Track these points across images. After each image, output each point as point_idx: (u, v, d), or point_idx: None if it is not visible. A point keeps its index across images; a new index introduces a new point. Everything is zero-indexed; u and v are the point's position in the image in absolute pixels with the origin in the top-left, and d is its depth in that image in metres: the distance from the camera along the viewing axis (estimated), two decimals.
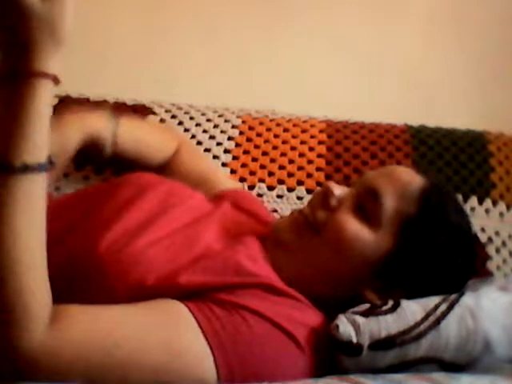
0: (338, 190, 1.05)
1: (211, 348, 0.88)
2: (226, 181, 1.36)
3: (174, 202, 1.09)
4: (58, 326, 0.83)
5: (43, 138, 0.82)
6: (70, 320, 0.85)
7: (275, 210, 1.44)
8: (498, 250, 1.45)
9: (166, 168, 1.34)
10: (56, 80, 0.82)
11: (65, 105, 1.32)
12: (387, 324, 0.95)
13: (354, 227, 1.00)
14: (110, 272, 0.93)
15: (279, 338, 0.92)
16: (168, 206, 1.07)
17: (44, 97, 0.81)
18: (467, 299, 0.99)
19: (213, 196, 1.23)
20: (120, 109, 1.38)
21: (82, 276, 0.94)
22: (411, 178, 1.05)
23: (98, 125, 1.23)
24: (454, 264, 1.03)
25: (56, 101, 1.54)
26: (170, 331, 0.88)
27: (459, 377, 0.92)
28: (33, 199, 0.81)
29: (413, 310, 0.97)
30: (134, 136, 1.28)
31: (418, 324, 0.95)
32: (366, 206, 1.02)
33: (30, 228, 0.81)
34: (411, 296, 1.00)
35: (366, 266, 1.00)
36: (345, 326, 0.94)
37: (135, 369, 0.85)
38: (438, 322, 0.95)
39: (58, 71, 0.83)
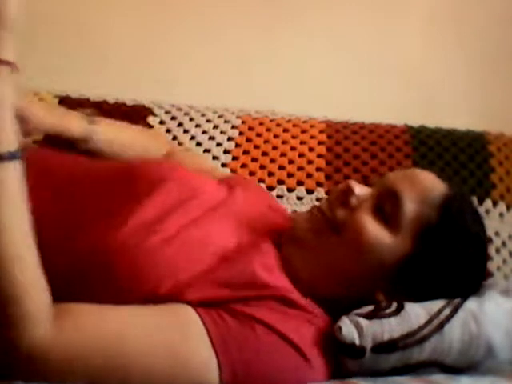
0: (359, 189, 1.03)
1: (216, 354, 0.87)
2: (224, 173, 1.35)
3: (186, 196, 1.05)
4: (62, 324, 0.83)
5: (10, 125, 0.81)
6: (74, 319, 0.85)
7: None
8: (498, 251, 1.46)
9: None
10: (14, 67, 0.82)
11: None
12: (390, 327, 0.94)
13: (374, 229, 0.99)
14: (124, 271, 0.91)
15: (286, 349, 0.92)
16: (181, 200, 1.04)
17: (3, 84, 0.81)
18: (470, 304, 0.99)
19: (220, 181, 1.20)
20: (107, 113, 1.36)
21: (94, 272, 0.92)
22: (433, 183, 1.03)
23: (72, 124, 1.18)
24: (469, 272, 1.02)
25: (56, 101, 1.55)
26: (176, 335, 0.88)
27: (459, 378, 0.93)
28: (9, 189, 0.80)
29: (416, 313, 0.96)
30: (108, 136, 1.25)
31: (421, 328, 0.95)
32: (386, 207, 1.00)
33: (11, 219, 0.80)
34: (419, 299, 0.99)
35: (381, 268, 0.99)
36: (348, 328, 0.94)
37: (139, 371, 0.85)
38: (441, 325, 0.95)
39: (13, 58, 0.83)
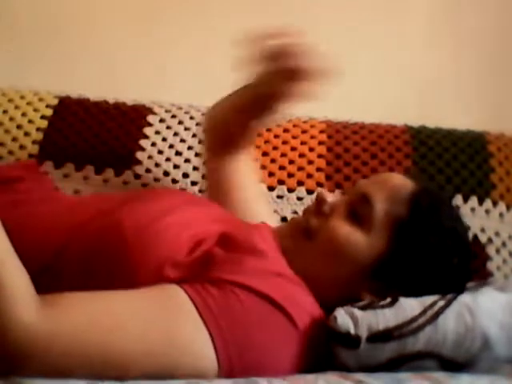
0: (331, 198, 1.09)
1: (211, 335, 0.89)
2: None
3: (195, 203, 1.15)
4: (49, 312, 0.83)
5: None
6: (63, 306, 0.85)
7: (275, 211, 1.44)
8: (498, 251, 1.46)
9: None
10: None
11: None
12: (385, 317, 0.96)
13: (346, 231, 1.03)
14: (133, 248, 0.96)
15: (276, 316, 0.94)
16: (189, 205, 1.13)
17: None
18: (465, 297, 1.00)
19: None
20: None
21: (105, 255, 0.97)
22: (402, 182, 1.08)
23: None
24: (448, 265, 1.04)
25: (56, 101, 1.55)
26: (170, 322, 0.89)
27: (459, 376, 0.93)
28: None
29: (411, 305, 0.98)
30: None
31: (415, 318, 0.96)
32: (358, 210, 1.04)
33: None
34: (407, 296, 1.01)
35: (360, 268, 1.02)
36: (343, 317, 0.95)
37: (134, 359, 0.85)
38: (435, 316, 0.96)
39: None
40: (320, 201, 1.07)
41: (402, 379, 0.90)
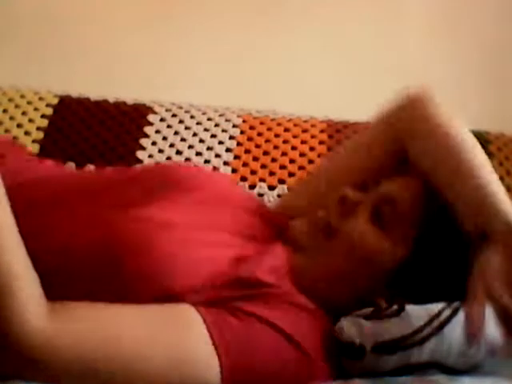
0: (355, 196, 1.03)
1: (218, 355, 0.87)
2: None
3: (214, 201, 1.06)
4: (55, 316, 0.82)
5: None
6: (69, 312, 0.84)
7: None
8: None
9: None
10: None
11: None
12: (391, 327, 0.94)
13: (369, 232, 0.99)
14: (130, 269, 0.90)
15: (287, 347, 0.91)
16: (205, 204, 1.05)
17: None
18: None
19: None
20: None
21: (104, 265, 0.91)
22: (430, 189, 1.02)
23: None
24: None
25: (56, 101, 1.55)
26: (177, 335, 0.87)
27: (460, 379, 0.92)
28: None
29: (417, 314, 0.96)
30: None
31: (421, 328, 0.94)
32: (383, 212, 1.00)
33: None
34: (419, 302, 0.99)
35: (379, 273, 0.99)
36: (348, 327, 0.94)
37: (140, 373, 0.84)
38: (441, 326, 0.95)
39: None
40: (343, 198, 1.03)
41: (402, 383, 0.90)
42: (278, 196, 1.45)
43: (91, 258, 0.92)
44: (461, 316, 0.95)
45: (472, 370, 0.96)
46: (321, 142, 1.52)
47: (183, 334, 0.88)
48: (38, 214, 0.97)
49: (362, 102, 1.79)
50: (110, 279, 0.90)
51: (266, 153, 1.49)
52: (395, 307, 0.97)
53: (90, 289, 0.90)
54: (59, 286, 0.88)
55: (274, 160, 1.48)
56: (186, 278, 0.92)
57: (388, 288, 1.00)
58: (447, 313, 0.96)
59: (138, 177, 1.09)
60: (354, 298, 1.00)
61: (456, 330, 0.95)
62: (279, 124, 1.55)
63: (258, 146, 1.49)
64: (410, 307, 0.97)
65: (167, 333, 0.87)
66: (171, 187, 1.04)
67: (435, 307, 0.97)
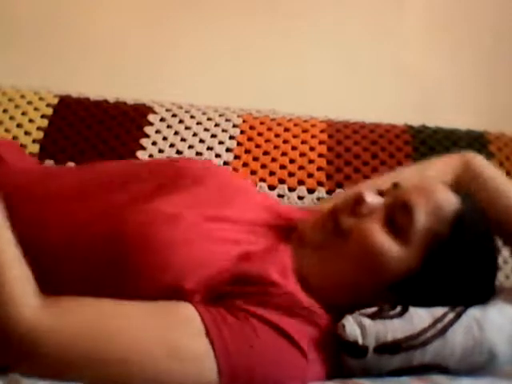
0: (371, 199, 1.02)
1: (215, 353, 0.87)
2: None
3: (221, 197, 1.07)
4: (53, 310, 0.83)
5: None
6: (67, 307, 0.85)
7: None
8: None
9: None
10: None
11: None
12: (394, 328, 0.94)
13: (381, 238, 0.98)
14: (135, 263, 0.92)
15: (285, 346, 0.92)
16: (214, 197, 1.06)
17: None
18: (474, 310, 0.99)
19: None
20: None
21: (111, 259, 0.93)
22: (447, 197, 1.02)
23: None
24: (475, 287, 1.01)
25: (56, 100, 1.55)
26: (174, 331, 0.88)
27: (459, 379, 0.93)
28: None
29: (420, 316, 0.96)
30: None
31: (425, 330, 0.95)
32: (397, 219, 0.99)
33: None
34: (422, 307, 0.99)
35: (385, 279, 0.98)
36: (351, 326, 0.94)
37: (136, 368, 0.84)
38: (444, 329, 0.95)
39: None
40: (358, 200, 1.01)
41: (402, 382, 0.91)
42: (278, 196, 1.45)
43: (97, 250, 0.93)
44: (464, 320, 0.96)
45: (473, 373, 0.96)
46: (321, 142, 1.52)
47: (181, 330, 0.88)
48: (49, 206, 0.99)
49: (362, 102, 1.80)
50: (114, 271, 0.91)
51: (266, 153, 1.49)
52: (399, 309, 0.97)
53: (93, 281, 0.92)
54: (63, 280, 0.91)
55: (274, 160, 1.48)
56: (188, 272, 0.92)
57: (392, 294, 0.99)
58: (451, 316, 0.96)
59: (152, 170, 1.09)
60: (358, 302, 0.99)
61: (459, 333, 0.95)
62: (279, 124, 1.55)
63: (258, 146, 1.49)
64: (413, 309, 0.97)
65: (164, 328, 0.87)
66: (183, 181, 1.05)
67: (439, 310, 0.97)
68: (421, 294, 0.98)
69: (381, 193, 1.06)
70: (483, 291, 1.02)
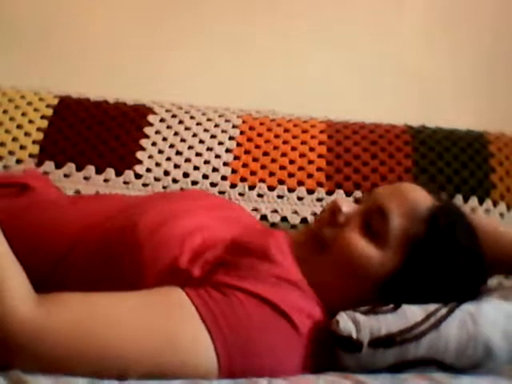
0: (346, 207, 1.04)
1: (212, 337, 0.88)
2: None
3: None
4: (49, 306, 0.84)
5: None
6: (63, 303, 0.86)
7: (275, 211, 1.44)
8: None
9: None
10: None
11: None
12: (387, 322, 0.95)
13: (361, 245, 1.00)
14: (144, 250, 0.96)
15: (278, 321, 0.93)
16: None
17: None
18: (468, 305, 0.99)
19: None
20: None
21: (117, 252, 0.97)
22: (420, 197, 1.04)
23: None
24: (461, 286, 1.02)
25: (56, 101, 1.55)
26: (167, 318, 0.89)
27: (460, 377, 0.93)
28: None
29: (413, 311, 0.97)
30: None
31: (418, 324, 0.95)
32: (374, 223, 1.01)
33: None
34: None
35: (370, 283, 1.00)
36: (345, 321, 0.94)
37: (133, 359, 0.85)
38: (438, 323, 0.95)
39: None
40: (335, 210, 1.03)
41: (402, 379, 0.90)
42: (278, 197, 1.45)
43: (104, 243, 0.98)
44: (458, 314, 0.96)
45: (472, 369, 0.96)
46: (321, 143, 1.52)
47: (174, 315, 0.89)
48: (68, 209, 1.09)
49: (362, 103, 1.80)
50: (116, 260, 0.96)
51: (265, 153, 1.49)
52: (391, 305, 0.97)
53: (95, 274, 0.96)
54: (66, 276, 0.95)
55: (273, 161, 1.48)
56: (185, 239, 0.99)
57: (381, 295, 1.00)
58: (444, 311, 0.97)
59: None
60: (348, 304, 1.00)
61: (453, 327, 0.95)
62: (279, 125, 1.55)
63: (257, 147, 1.50)
64: (406, 305, 0.98)
65: (159, 316, 0.89)
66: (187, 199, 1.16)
67: (431, 306, 0.98)
68: (408, 293, 1.00)
69: (357, 200, 1.09)
70: (469, 285, 1.03)
